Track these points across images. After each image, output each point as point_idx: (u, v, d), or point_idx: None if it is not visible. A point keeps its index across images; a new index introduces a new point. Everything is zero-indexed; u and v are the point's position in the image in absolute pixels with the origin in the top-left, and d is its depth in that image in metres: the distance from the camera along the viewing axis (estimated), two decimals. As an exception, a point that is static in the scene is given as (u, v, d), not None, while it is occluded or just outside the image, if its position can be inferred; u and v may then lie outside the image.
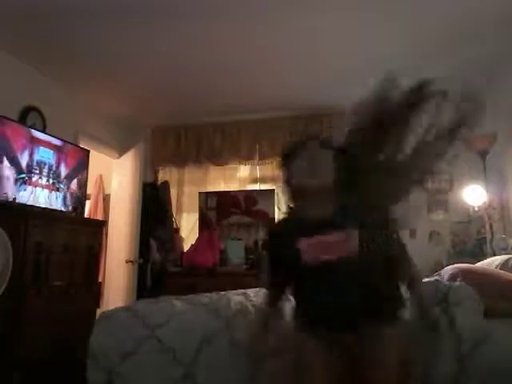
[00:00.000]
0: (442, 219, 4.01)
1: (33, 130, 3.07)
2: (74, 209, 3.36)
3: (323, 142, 1.47)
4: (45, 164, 3.09)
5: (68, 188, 3.32)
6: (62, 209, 3.23)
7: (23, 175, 2.91)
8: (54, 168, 3.18)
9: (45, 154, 3.10)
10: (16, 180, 2.85)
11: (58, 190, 3.20)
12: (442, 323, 1.60)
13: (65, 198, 3.28)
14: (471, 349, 1.55)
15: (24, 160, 2.92)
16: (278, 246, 1.46)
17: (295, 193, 1.45)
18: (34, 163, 3.00)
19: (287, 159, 1.46)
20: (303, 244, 1.34)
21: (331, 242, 1.32)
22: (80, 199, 3.46)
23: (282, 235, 1.46)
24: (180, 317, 1.72)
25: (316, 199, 1.38)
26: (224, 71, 3.51)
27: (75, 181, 3.41)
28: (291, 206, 1.49)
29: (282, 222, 1.60)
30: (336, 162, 1.40)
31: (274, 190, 4.25)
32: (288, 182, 1.45)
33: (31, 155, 2.98)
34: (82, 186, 3.51)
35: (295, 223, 1.43)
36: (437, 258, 3.70)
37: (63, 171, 3.27)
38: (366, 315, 1.31)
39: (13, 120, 2.95)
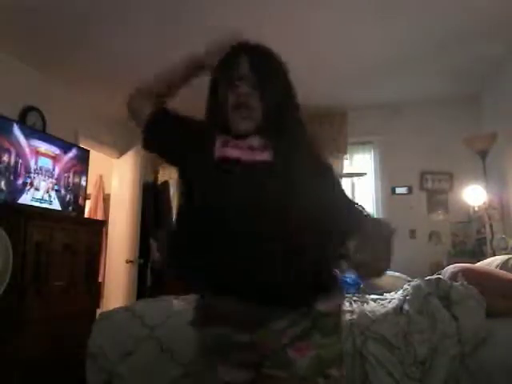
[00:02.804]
0: (442, 219, 4.01)
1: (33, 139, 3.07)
2: (74, 209, 3.36)
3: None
4: (45, 166, 3.10)
5: (68, 188, 3.32)
6: (62, 209, 3.23)
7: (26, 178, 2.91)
8: (54, 168, 3.18)
9: (44, 161, 3.11)
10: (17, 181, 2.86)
11: (57, 190, 3.20)
12: (445, 320, 1.60)
13: (65, 198, 3.28)
14: (473, 348, 1.55)
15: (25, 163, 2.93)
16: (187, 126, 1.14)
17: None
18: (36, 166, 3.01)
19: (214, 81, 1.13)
20: (220, 139, 1.01)
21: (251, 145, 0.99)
22: (79, 199, 3.47)
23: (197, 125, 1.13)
24: (179, 316, 1.72)
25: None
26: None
27: (75, 181, 3.41)
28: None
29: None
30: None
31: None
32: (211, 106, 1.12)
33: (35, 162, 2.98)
34: (82, 186, 3.51)
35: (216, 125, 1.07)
36: (437, 258, 3.70)
37: (63, 171, 3.28)
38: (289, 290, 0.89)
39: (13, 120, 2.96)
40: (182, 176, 1.08)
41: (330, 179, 1.05)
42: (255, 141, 1.01)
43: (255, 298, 0.88)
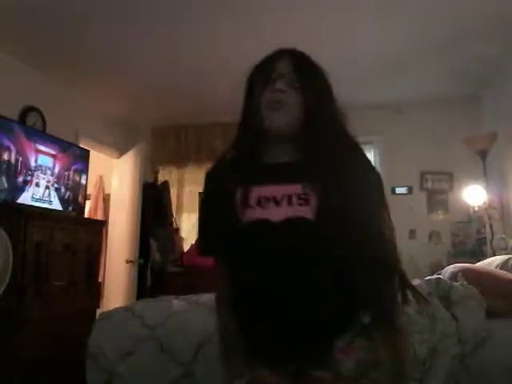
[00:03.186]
0: (442, 219, 4.01)
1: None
2: (74, 209, 3.36)
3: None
4: (45, 166, 3.10)
5: (68, 188, 3.32)
6: (62, 209, 3.23)
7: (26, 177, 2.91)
8: (54, 169, 3.18)
9: (44, 161, 3.11)
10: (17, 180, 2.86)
11: (58, 190, 3.20)
12: (445, 320, 1.60)
13: (65, 198, 3.28)
14: (473, 348, 1.55)
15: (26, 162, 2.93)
16: (214, 193, 1.03)
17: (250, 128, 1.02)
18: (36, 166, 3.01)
19: (251, 81, 1.09)
20: (243, 192, 0.93)
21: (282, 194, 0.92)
22: (79, 199, 3.47)
23: (220, 177, 1.02)
24: (179, 316, 1.72)
25: (276, 141, 0.99)
26: (224, 71, 3.50)
27: (75, 181, 3.41)
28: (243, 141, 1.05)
29: (225, 161, 1.07)
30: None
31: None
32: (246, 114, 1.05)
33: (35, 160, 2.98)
34: (82, 186, 3.51)
35: (242, 166, 0.99)
36: (437, 258, 3.70)
37: (63, 172, 3.28)
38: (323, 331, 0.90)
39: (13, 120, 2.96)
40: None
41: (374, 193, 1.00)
42: (295, 188, 0.92)
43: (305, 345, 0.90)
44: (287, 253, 0.90)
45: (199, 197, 4.46)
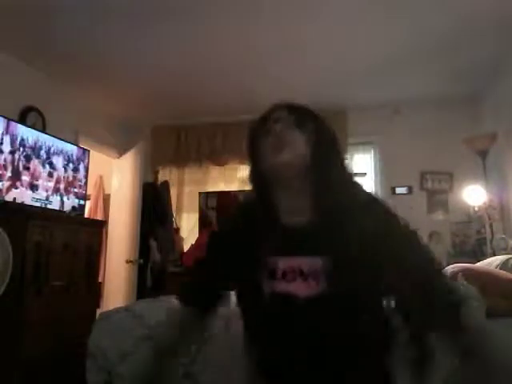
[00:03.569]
0: (442, 219, 4.01)
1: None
2: (74, 209, 3.36)
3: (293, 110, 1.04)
4: (45, 166, 3.10)
5: (68, 188, 3.32)
6: (62, 209, 3.23)
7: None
8: (54, 168, 3.18)
9: (45, 162, 3.11)
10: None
11: (57, 190, 3.20)
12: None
13: (65, 198, 3.28)
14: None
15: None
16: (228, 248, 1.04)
17: (261, 182, 1.03)
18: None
19: (252, 138, 1.07)
20: (278, 264, 0.94)
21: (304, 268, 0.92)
22: (80, 199, 3.47)
23: (234, 237, 1.04)
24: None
25: (287, 187, 0.99)
26: (224, 71, 3.51)
27: (75, 181, 3.41)
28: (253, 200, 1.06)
29: (239, 216, 1.10)
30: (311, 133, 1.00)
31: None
32: (254, 170, 1.05)
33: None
34: (82, 186, 3.51)
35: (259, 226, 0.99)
36: (437, 258, 3.70)
37: (63, 172, 3.28)
38: None
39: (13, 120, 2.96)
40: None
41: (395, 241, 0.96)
42: (310, 262, 0.92)
43: None
44: (312, 331, 0.89)
45: (199, 196, 4.46)
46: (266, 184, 1.01)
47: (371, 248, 0.89)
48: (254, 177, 1.05)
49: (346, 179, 1.02)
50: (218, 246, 1.11)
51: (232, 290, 1.08)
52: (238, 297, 1.05)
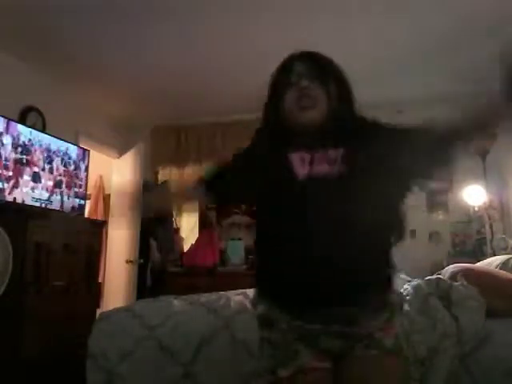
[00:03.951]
0: (442, 219, 4.01)
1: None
2: (74, 209, 3.36)
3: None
4: (44, 166, 3.10)
5: (68, 188, 3.32)
6: (62, 209, 3.23)
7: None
8: (54, 168, 3.18)
9: (45, 162, 3.11)
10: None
11: (58, 190, 3.20)
12: (445, 320, 1.60)
13: (65, 198, 3.28)
14: (473, 348, 1.55)
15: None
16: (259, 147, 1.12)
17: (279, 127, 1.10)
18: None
19: (274, 87, 1.15)
20: (295, 156, 1.03)
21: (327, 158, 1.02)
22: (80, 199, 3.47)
23: (264, 140, 1.12)
24: (179, 317, 1.72)
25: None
26: (224, 71, 3.51)
27: (75, 181, 3.41)
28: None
29: (265, 129, 1.18)
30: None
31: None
32: (273, 118, 1.12)
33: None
34: (83, 186, 3.51)
35: (282, 131, 1.09)
36: (437, 258, 3.70)
37: (63, 171, 3.28)
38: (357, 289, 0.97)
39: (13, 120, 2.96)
40: (264, 202, 1.09)
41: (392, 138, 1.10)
42: (331, 153, 1.02)
43: (344, 302, 0.97)
44: (314, 206, 0.97)
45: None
46: (283, 128, 1.08)
47: (385, 143, 1.03)
48: (272, 123, 1.12)
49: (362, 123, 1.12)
50: (246, 152, 1.17)
51: (245, 202, 1.22)
52: (263, 201, 1.08)
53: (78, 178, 3.44)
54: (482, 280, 1.83)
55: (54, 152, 3.19)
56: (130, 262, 3.76)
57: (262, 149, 1.10)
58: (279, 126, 1.09)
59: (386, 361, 0.98)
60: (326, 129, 1.05)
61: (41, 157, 3.07)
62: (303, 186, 1.00)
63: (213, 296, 1.95)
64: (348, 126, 1.06)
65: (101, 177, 4.67)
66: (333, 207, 0.96)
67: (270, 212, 1.05)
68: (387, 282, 1.04)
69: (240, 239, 4.18)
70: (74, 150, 3.43)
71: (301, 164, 1.02)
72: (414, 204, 4.03)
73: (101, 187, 4.66)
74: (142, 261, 3.83)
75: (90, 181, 3.79)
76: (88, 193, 3.92)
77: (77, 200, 3.40)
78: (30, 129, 3.05)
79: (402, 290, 1.82)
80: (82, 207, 3.51)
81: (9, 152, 2.82)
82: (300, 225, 0.97)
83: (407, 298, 1.76)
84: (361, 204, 0.95)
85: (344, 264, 0.95)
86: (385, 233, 1.04)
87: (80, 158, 3.48)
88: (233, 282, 3.28)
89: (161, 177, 4.60)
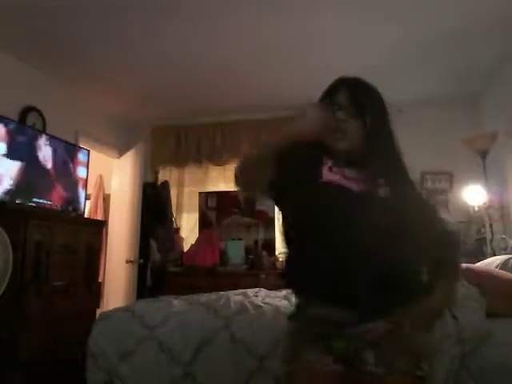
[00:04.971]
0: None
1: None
2: (74, 209, 3.36)
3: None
4: (45, 166, 3.10)
5: (68, 188, 3.32)
6: (62, 209, 3.23)
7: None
8: (54, 168, 3.18)
9: (45, 162, 3.11)
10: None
11: (57, 190, 3.20)
12: (445, 320, 1.59)
13: (65, 198, 3.28)
14: (473, 348, 1.55)
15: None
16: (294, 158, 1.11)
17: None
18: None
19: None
20: (327, 168, 1.10)
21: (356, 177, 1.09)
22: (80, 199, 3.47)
23: (301, 150, 1.11)
24: (179, 316, 1.72)
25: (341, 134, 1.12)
26: (224, 71, 3.51)
27: (75, 181, 3.41)
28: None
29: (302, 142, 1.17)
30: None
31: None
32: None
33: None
34: (82, 185, 3.51)
35: (320, 146, 1.13)
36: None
37: (63, 171, 3.28)
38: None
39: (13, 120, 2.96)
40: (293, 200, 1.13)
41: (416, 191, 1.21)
42: (358, 173, 1.10)
43: (357, 307, 0.99)
44: (364, 218, 1.01)
45: (199, 196, 4.46)
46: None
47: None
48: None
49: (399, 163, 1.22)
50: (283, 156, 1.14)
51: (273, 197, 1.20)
52: (295, 206, 1.12)
53: (77, 177, 3.44)
54: (482, 280, 1.83)
55: (53, 152, 3.19)
56: (130, 261, 3.76)
57: (302, 162, 1.13)
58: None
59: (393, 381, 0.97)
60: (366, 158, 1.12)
61: (40, 157, 3.07)
62: (355, 199, 1.06)
63: (213, 296, 1.95)
64: (387, 162, 1.15)
65: (101, 177, 4.67)
66: (380, 221, 1.00)
67: (315, 224, 1.07)
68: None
69: (240, 239, 4.18)
70: (73, 150, 3.43)
71: (351, 179, 1.09)
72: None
73: (101, 187, 4.67)
74: (141, 261, 3.83)
75: (90, 181, 3.79)
76: (88, 193, 3.92)
77: (77, 200, 3.40)
78: (29, 129, 3.05)
79: None
80: (82, 207, 3.51)
81: (9, 152, 2.82)
82: (349, 237, 1.02)
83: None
84: (407, 220, 1.02)
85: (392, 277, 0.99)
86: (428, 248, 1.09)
87: (80, 157, 3.49)
88: (233, 282, 3.29)
89: (161, 177, 4.61)
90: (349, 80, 1.22)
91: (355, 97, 1.15)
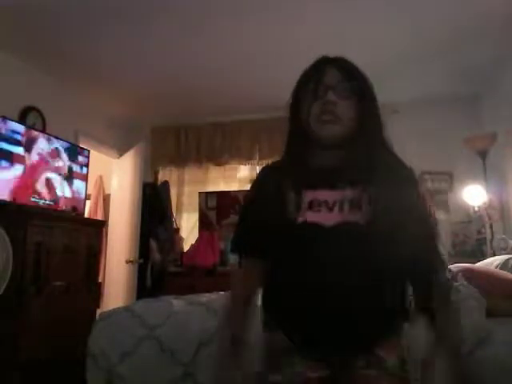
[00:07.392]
0: (442, 219, 4.01)
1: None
2: (74, 209, 3.36)
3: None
4: (44, 166, 3.10)
5: (68, 188, 3.32)
6: (62, 209, 3.23)
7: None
8: (53, 168, 3.18)
9: (44, 162, 3.11)
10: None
11: (57, 190, 3.20)
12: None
13: (65, 198, 3.28)
14: (473, 348, 1.55)
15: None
16: (263, 197, 1.02)
17: (299, 138, 1.05)
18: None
19: (297, 93, 1.07)
20: (296, 196, 0.96)
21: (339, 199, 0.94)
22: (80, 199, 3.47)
23: (271, 183, 1.01)
24: (179, 317, 1.72)
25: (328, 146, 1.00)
26: (224, 71, 3.51)
27: (75, 181, 3.41)
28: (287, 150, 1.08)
29: (273, 167, 1.11)
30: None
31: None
32: (293, 125, 1.07)
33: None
34: (82, 185, 3.51)
35: (292, 170, 1.01)
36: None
37: (63, 172, 3.28)
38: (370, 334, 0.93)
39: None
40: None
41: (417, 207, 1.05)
42: (346, 194, 0.94)
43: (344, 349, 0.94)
44: (337, 256, 0.92)
45: (199, 196, 4.46)
46: (303, 139, 1.03)
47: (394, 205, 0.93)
48: (293, 132, 1.07)
49: (387, 146, 1.04)
50: (256, 204, 1.07)
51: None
52: (272, 242, 1.00)
53: (77, 177, 3.44)
54: (482, 280, 1.83)
55: (53, 152, 3.19)
56: (130, 261, 3.76)
57: (276, 189, 1.00)
58: (300, 138, 1.04)
59: (386, 383, 0.93)
60: (346, 152, 1.00)
61: (40, 157, 3.07)
62: (328, 236, 0.94)
63: (213, 296, 1.95)
64: (377, 158, 0.98)
65: (101, 177, 4.67)
66: (357, 257, 0.91)
67: (286, 260, 0.98)
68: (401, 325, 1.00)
69: (240, 239, 4.17)
70: (73, 150, 3.43)
71: (323, 209, 0.95)
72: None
73: (101, 187, 4.67)
74: (141, 261, 3.83)
75: (90, 181, 3.80)
76: (88, 193, 3.92)
77: (77, 200, 3.40)
78: (29, 128, 3.05)
79: None
80: (82, 207, 3.51)
81: (8, 152, 2.81)
82: (320, 275, 0.93)
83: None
84: (386, 254, 0.91)
85: (363, 316, 0.92)
86: (406, 280, 1.01)
87: (80, 157, 3.49)
88: (233, 282, 3.27)
89: (161, 177, 4.60)
90: (336, 59, 1.05)
91: (347, 76, 1.00)
